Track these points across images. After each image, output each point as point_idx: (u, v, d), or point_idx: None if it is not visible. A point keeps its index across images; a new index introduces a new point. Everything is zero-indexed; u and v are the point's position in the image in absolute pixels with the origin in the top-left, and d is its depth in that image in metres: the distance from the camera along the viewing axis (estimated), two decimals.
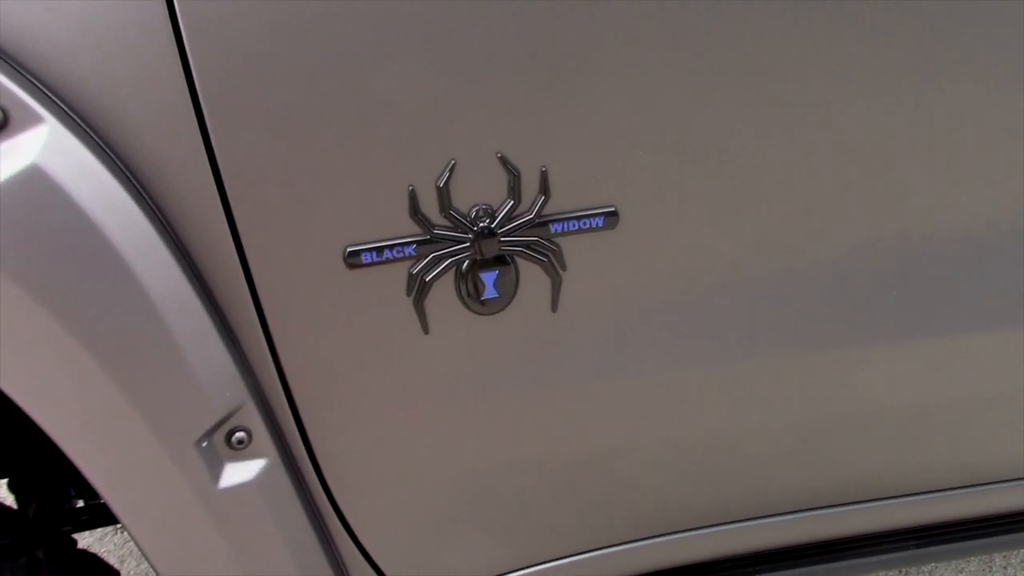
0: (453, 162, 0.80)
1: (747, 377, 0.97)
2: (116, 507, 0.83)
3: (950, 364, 1.02)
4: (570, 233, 0.86)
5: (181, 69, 0.73)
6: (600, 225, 0.86)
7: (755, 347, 0.95)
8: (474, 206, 0.83)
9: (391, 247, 0.83)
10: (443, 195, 0.81)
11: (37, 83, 0.72)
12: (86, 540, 2.32)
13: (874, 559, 1.20)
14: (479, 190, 0.82)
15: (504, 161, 0.81)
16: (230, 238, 0.79)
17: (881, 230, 0.92)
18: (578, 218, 0.85)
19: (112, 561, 2.18)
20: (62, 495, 1.34)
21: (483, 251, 0.85)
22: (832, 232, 0.91)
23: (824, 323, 0.95)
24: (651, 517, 1.07)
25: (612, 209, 0.85)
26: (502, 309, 0.88)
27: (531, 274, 0.87)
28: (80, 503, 1.47)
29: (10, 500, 1.33)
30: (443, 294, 0.86)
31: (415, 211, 0.82)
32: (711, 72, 0.81)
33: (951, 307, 0.98)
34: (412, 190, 0.81)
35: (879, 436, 1.06)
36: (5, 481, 1.34)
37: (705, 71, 0.81)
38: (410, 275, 0.84)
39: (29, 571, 1.02)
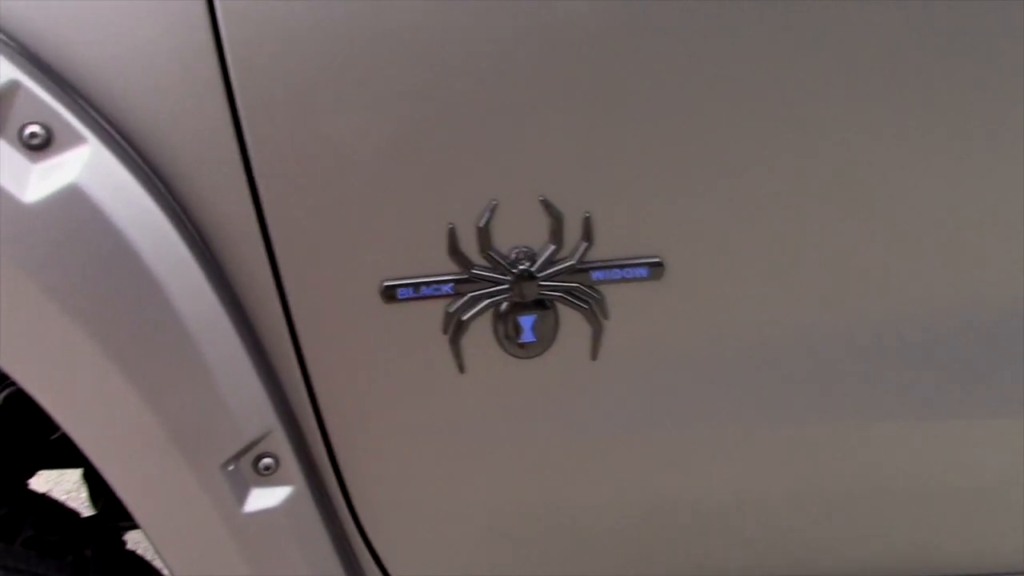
0: (495, 203, 0.79)
1: (786, 442, 0.93)
2: (143, 523, 0.85)
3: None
4: (613, 281, 0.84)
5: (225, 97, 0.74)
6: (644, 275, 0.84)
7: (798, 412, 0.91)
8: (514, 248, 0.82)
9: (428, 284, 0.82)
10: (483, 235, 0.81)
11: (82, 103, 0.74)
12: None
13: None
14: (520, 232, 0.81)
15: (547, 205, 0.80)
16: (268, 266, 0.80)
17: (947, 303, 0.87)
18: (621, 267, 0.83)
19: None
20: None
21: (522, 294, 0.83)
22: (891, 301, 0.87)
23: (873, 394, 0.91)
24: (676, 570, 1.04)
25: (657, 260, 0.83)
26: (540, 354, 0.87)
27: (571, 320, 0.86)
28: None
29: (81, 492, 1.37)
30: (480, 335, 0.85)
31: (454, 250, 0.81)
32: (773, 128, 0.79)
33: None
34: (452, 228, 0.80)
35: (920, 513, 1.01)
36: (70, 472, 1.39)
37: (766, 127, 0.79)
38: (447, 313, 0.84)
39: (75, 570, 1.05)
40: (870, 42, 0.76)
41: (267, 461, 0.84)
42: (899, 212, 0.83)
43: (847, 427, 0.93)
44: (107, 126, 0.75)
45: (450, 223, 0.80)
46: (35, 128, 0.71)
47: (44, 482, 2.68)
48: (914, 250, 0.85)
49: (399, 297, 0.82)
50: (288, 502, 0.86)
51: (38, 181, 0.72)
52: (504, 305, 0.84)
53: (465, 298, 0.83)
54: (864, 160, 0.80)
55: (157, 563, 1.14)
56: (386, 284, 0.82)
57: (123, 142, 0.75)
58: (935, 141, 0.80)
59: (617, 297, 0.85)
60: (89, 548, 1.09)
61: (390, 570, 0.99)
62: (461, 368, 0.86)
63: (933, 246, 0.85)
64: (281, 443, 0.84)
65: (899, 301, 0.87)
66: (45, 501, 1.12)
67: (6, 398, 0.99)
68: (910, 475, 0.97)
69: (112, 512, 1.31)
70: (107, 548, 1.11)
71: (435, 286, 0.82)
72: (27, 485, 1.15)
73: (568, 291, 0.84)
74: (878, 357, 0.90)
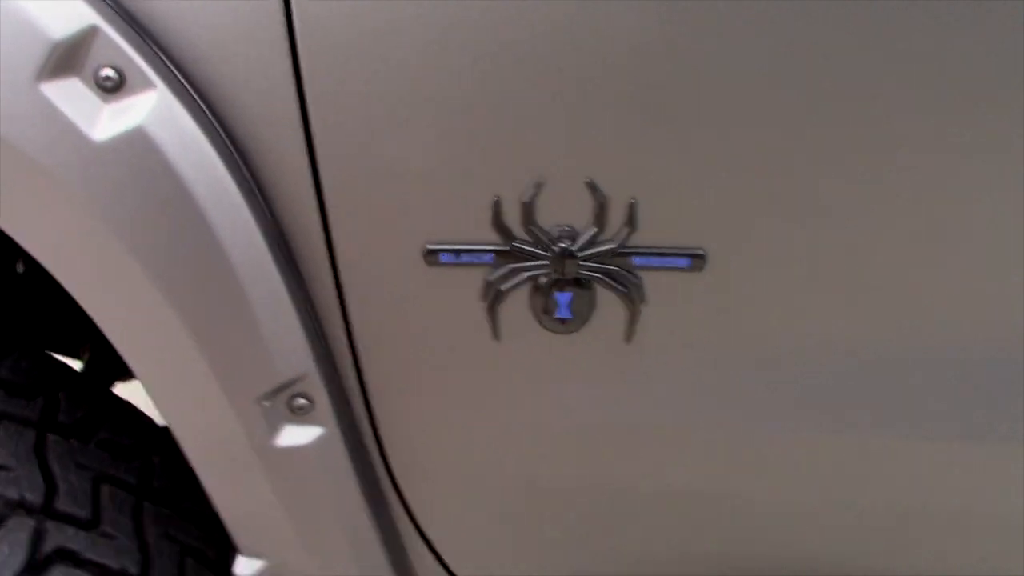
0: (541, 180, 0.81)
1: (813, 447, 0.92)
2: (182, 442, 0.91)
3: None
4: (653, 268, 0.84)
5: (289, 56, 0.78)
6: (686, 266, 0.84)
7: (829, 419, 0.90)
8: (557, 225, 0.83)
9: (470, 251, 0.84)
10: (528, 210, 0.82)
11: (156, 50, 0.78)
12: None
13: None
14: (565, 212, 0.83)
15: (593, 187, 0.81)
16: (318, 218, 0.84)
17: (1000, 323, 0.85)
18: (663, 255, 0.84)
19: None
20: None
21: (561, 271, 0.85)
22: (936, 318, 0.85)
23: (915, 407, 0.89)
24: (696, 556, 1.05)
25: (700, 252, 0.83)
26: (574, 331, 0.88)
27: (608, 302, 0.87)
28: None
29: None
30: (517, 306, 0.87)
31: (498, 221, 0.83)
32: (833, 134, 0.77)
33: None
34: (497, 200, 0.82)
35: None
36: None
37: (823, 129, 0.77)
38: (486, 282, 0.86)
39: (140, 474, 1.13)
40: (930, 44, 0.74)
41: (301, 402, 0.89)
42: (954, 219, 0.80)
43: (877, 437, 0.91)
44: (177, 74, 0.79)
45: (496, 195, 0.82)
46: (109, 71, 0.76)
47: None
48: (970, 261, 0.83)
49: (441, 261, 0.85)
50: (318, 442, 0.91)
51: (107, 121, 0.77)
52: (543, 280, 0.86)
53: (505, 269, 0.85)
54: (924, 168, 0.78)
55: None
56: (429, 247, 0.84)
57: (190, 90, 0.79)
58: (1001, 149, 0.78)
59: (657, 284, 0.85)
60: (158, 456, 1.17)
61: (420, 521, 1.03)
62: (496, 336, 0.89)
63: (989, 257, 0.82)
64: (316, 386, 0.89)
65: (952, 313, 0.85)
66: (125, 406, 1.21)
67: None
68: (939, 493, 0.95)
69: None
70: (175, 458, 1.19)
71: (477, 254, 0.85)
72: (110, 389, 1.23)
73: (607, 273, 0.85)
74: (925, 371, 0.88)
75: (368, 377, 0.92)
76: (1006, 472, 0.92)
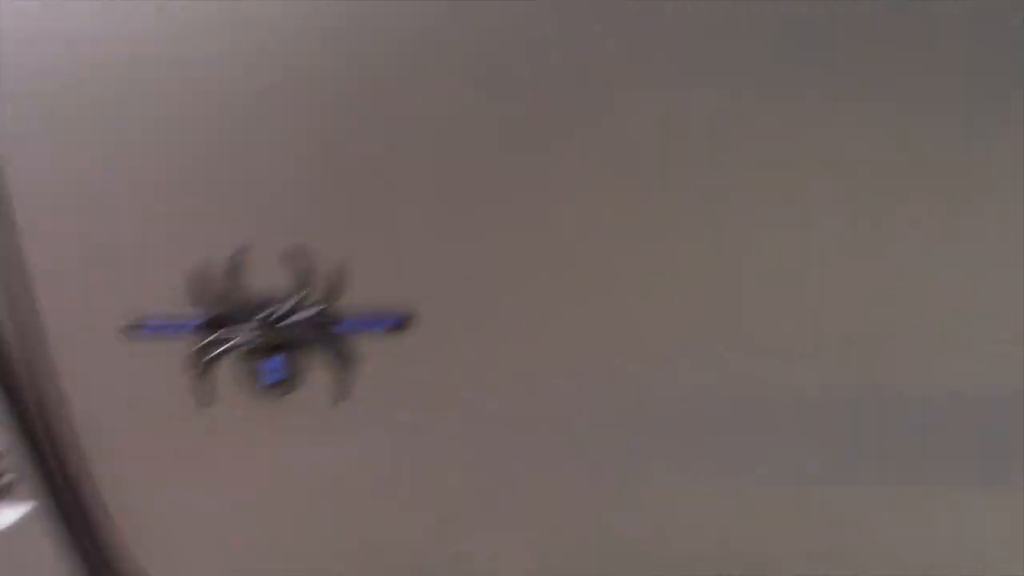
0: (244, 247, 0.81)
1: (530, 504, 0.95)
2: None
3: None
4: (361, 332, 0.85)
5: None
6: (393, 327, 0.85)
7: (542, 475, 0.93)
8: (261, 293, 0.83)
9: (171, 324, 0.84)
10: (230, 278, 0.82)
11: None
12: None
13: None
14: (269, 279, 0.83)
15: (296, 254, 0.81)
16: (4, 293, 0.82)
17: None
18: (369, 319, 0.84)
19: None
20: None
21: (266, 338, 0.85)
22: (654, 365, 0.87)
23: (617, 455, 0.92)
24: None
25: (408, 315, 0.84)
26: (285, 395, 0.88)
27: (315, 367, 0.87)
28: None
29: None
30: (223, 374, 0.87)
31: (199, 291, 0.82)
32: (550, 182, 0.78)
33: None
34: (199, 270, 0.81)
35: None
36: None
37: (545, 179, 0.78)
38: (190, 352, 0.85)
39: None
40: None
41: (3, 480, 0.87)
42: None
43: (591, 485, 0.94)
44: None
45: (198, 264, 0.81)
46: None
47: None
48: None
49: (145, 333, 0.84)
50: (28, 519, 0.89)
51: None
52: (247, 348, 0.86)
53: (208, 339, 0.85)
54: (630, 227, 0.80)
55: None
56: (131, 321, 0.83)
57: None
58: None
59: (365, 347, 0.86)
60: None
61: None
62: (203, 404, 0.88)
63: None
64: (18, 463, 0.86)
65: (668, 362, 0.87)
66: None
67: None
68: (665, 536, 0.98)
69: None
70: None
71: (178, 325, 0.84)
72: None
73: (312, 338, 0.85)
74: (628, 420, 0.90)
75: (87, 449, 0.90)
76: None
